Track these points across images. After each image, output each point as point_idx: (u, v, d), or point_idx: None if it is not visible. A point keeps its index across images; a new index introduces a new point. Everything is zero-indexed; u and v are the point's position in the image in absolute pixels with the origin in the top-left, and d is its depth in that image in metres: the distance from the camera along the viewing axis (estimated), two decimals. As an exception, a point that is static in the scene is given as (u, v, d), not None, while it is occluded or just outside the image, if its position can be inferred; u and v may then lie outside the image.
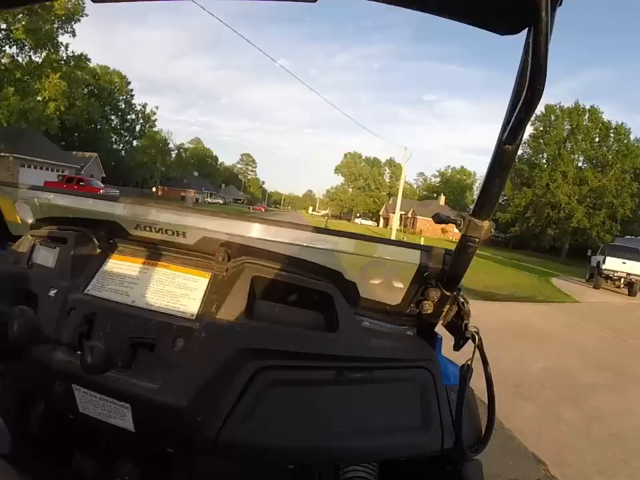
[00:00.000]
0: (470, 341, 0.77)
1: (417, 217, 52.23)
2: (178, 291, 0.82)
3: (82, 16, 25.92)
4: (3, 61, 25.52)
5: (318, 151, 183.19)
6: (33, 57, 26.94)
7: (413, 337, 0.88)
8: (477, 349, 0.76)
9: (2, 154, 23.73)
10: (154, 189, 50.93)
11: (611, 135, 37.09)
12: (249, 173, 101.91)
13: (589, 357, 4.79)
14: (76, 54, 29.33)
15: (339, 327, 0.77)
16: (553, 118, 38.56)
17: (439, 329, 0.88)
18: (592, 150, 37.08)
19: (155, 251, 0.90)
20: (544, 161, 39.33)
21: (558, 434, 2.69)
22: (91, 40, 76.13)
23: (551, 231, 36.93)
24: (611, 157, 35.77)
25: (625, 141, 36.02)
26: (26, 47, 26.03)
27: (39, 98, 27.17)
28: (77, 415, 0.75)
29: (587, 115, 37.66)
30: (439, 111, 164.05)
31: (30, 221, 1.01)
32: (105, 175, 36.99)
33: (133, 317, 0.76)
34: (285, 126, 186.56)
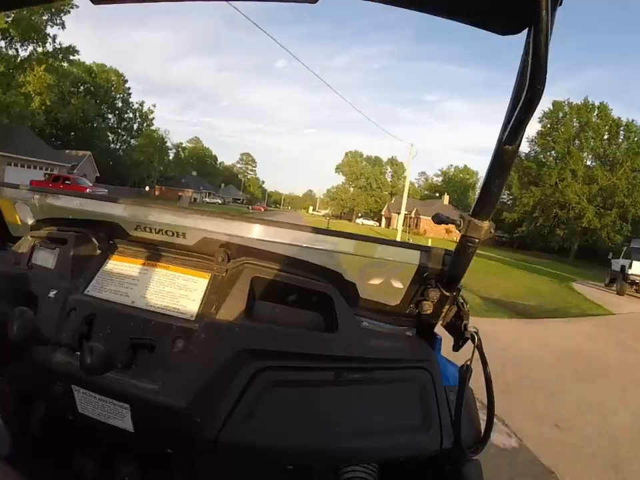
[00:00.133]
0: (470, 341, 0.77)
1: (421, 216, 50.32)
2: (178, 291, 0.83)
3: (72, 7, 24.78)
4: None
5: (318, 150, 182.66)
6: (19, 50, 25.79)
7: (412, 337, 0.89)
8: (476, 349, 0.75)
9: (-14, 152, 22.44)
10: (147, 189, 49.62)
11: (621, 132, 36.06)
12: (249, 172, 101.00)
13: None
14: (64, 46, 28.08)
15: (338, 328, 0.77)
16: (561, 115, 37.48)
17: (439, 329, 0.87)
18: (601, 147, 35.99)
19: (155, 252, 0.90)
20: (552, 158, 38.16)
21: None
22: (93, 42, 75.42)
23: (560, 232, 35.81)
24: (620, 154, 34.72)
25: (636, 139, 34.91)
26: (14, 39, 24.88)
27: (23, 91, 25.87)
28: (76, 415, 0.76)
29: (596, 112, 36.59)
30: (439, 111, 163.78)
31: (30, 222, 1.01)
32: (99, 174, 35.82)
33: (133, 317, 0.77)
34: (285, 127, 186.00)
